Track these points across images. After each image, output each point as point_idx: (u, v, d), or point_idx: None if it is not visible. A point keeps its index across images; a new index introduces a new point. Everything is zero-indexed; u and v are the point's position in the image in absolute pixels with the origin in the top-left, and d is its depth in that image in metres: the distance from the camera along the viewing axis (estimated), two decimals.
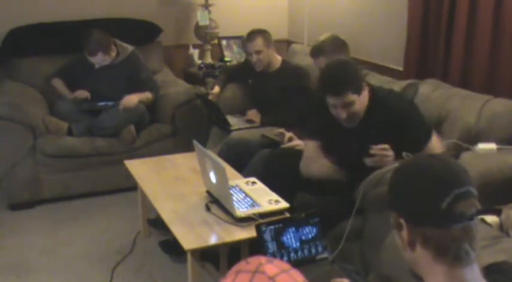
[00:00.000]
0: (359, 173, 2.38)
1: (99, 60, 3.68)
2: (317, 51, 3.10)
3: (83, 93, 3.71)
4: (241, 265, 0.97)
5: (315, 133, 2.59)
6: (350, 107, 2.35)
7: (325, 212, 2.12)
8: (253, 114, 3.62)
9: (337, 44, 3.11)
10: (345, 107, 2.35)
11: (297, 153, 2.97)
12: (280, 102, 3.45)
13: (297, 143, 3.10)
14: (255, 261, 0.96)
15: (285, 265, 0.97)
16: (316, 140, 2.57)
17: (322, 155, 2.55)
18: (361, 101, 2.38)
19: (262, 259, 0.97)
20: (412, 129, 2.38)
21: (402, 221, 1.13)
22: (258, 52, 3.53)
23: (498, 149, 2.47)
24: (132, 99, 3.67)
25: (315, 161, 2.55)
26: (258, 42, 3.53)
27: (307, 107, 2.84)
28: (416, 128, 2.39)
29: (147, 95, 3.78)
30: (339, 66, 2.42)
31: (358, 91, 2.35)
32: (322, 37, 3.13)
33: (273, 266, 0.95)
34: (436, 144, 2.41)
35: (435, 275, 1.10)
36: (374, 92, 2.46)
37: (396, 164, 1.28)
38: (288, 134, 3.17)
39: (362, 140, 2.39)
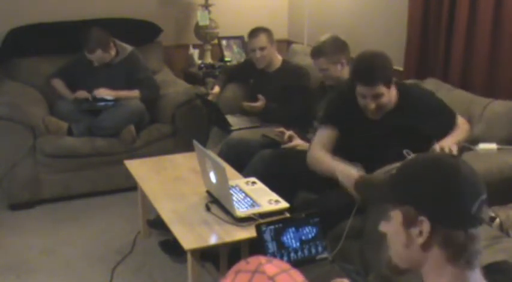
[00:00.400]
0: (370, 166, 2.38)
1: (98, 58, 3.68)
2: (317, 52, 3.10)
3: (83, 94, 3.71)
4: (241, 265, 0.97)
5: (334, 118, 2.58)
6: (379, 99, 2.38)
7: (325, 211, 2.13)
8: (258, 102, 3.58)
9: (337, 44, 3.11)
10: (374, 98, 2.38)
11: (298, 154, 2.97)
12: (281, 101, 3.45)
13: (298, 142, 3.10)
14: (254, 261, 0.96)
15: (284, 265, 0.97)
16: (334, 124, 2.56)
17: (332, 147, 2.55)
18: (389, 94, 2.41)
19: (262, 259, 0.96)
20: (438, 119, 2.46)
21: (424, 219, 1.09)
22: (262, 48, 3.54)
23: (498, 149, 2.47)
24: (103, 92, 3.68)
25: (322, 161, 2.53)
26: (262, 38, 3.54)
27: (330, 96, 2.79)
28: (442, 117, 2.48)
29: (134, 93, 3.76)
30: (373, 57, 2.43)
31: (388, 84, 2.38)
32: (323, 38, 3.13)
33: (272, 266, 0.95)
34: (460, 120, 2.53)
35: (442, 276, 1.09)
36: (398, 86, 2.50)
37: (398, 164, 1.26)
38: (288, 133, 3.17)
39: (385, 132, 2.43)
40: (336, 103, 2.65)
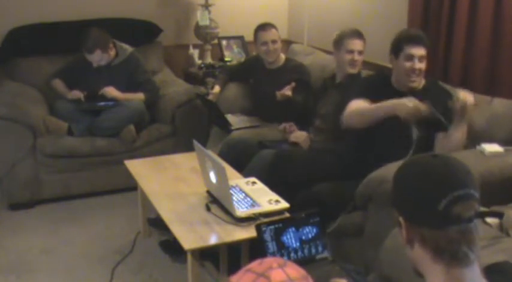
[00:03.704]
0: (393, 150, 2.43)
1: (97, 58, 3.68)
2: (360, 33, 3.12)
3: (76, 94, 3.70)
4: (254, 264, 0.95)
5: (364, 94, 2.66)
6: (423, 62, 2.58)
7: (321, 203, 2.20)
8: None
9: None
10: (420, 60, 2.56)
11: (298, 154, 2.98)
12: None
13: (298, 134, 3.14)
14: (267, 263, 0.94)
15: (295, 273, 0.93)
16: (367, 98, 2.64)
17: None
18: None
19: (275, 262, 0.93)
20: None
21: (401, 219, 1.13)
22: (274, 41, 3.56)
23: (505, 150, 2.45)
24: (111, 91, 3.68)
25: (366, 107, 2.58)
26: (275, 32, 3.58)
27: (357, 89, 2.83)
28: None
29: (139, 96, 3.77)
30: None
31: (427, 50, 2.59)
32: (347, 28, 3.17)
33: (281, 272, 0.92)
34: None
35: (435, 274, 1.10)
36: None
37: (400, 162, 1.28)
38: (288, 124, 3.22)
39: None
40: (369, 82, 2.81)
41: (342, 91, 3.08)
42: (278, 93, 3.37)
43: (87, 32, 3.63)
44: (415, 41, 2.57)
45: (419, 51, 2.56)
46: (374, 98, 2.60)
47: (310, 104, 3.29)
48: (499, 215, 1.94)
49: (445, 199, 1.07)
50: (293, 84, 3.36)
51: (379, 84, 2.72)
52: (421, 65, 2.58)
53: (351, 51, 3.06)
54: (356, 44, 3.07)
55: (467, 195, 1.08)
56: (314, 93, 3.38)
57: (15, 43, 3.93)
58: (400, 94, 2.59)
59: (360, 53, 3.08)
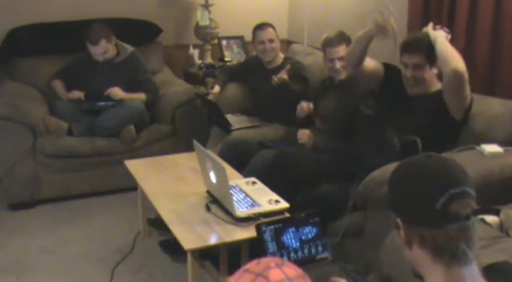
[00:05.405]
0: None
1: (102, 49, 3.66)
2: (339, 38, 3.04)
3: (75, 94, 3.70)
4: (251, 264, 0.95)
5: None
6: (418, 70, 2.51)
7: (323, 204, 2.21)
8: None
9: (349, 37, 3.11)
10: (414, 68, 2.52)
11: (298, 154, 2.98)
12: (282, 97, 3.43)
13: (301, 134, 3.10)
14: (264, 263, 0.94)
15: (293, 271, 0.93)
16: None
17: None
18: (430, 73, 2.52)
19: (273, 262, 0.94)
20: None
21: (399, 220, 1.13)
22: (272, 40, 3.57)
23: (505, 150, 2.45)
24: (117, 92, 3.68)
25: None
26: (271, 31, 3.59)
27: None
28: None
29: (141, 96, 3.77)
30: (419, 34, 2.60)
31: (430, 61, 2.49)
32: (334, 31, 3.11)
33: (279, 272, 0.92)
34: None
35: (435, 275, 1.10)
36: None
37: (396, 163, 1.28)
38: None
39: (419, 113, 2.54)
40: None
41: (340, 92, 3.08)
42: (274, 77, 3.37)
43: (89, 27, 3.65)
44: (407, 49, 2.53)
45: (412, 59, 2.50)
46: (389, 96, 2.65)
47: (309, 98, 3.29)
48: (496, 211, 1.94)
49: (443, 197, 1.07)
50: (288, 66, 3.37)
51: (394, 87, 2.68)
52: (416, 73, 2.51)
53: (332, 60, 3.06)
54: (335, 52, 3.03)
55: (464, 193, 1.09)
56: (313, 91, 3.38)
57: (15, 43, 3.93)
58: (411, 99, 2.58)
59: (341, 58, 3.02)
